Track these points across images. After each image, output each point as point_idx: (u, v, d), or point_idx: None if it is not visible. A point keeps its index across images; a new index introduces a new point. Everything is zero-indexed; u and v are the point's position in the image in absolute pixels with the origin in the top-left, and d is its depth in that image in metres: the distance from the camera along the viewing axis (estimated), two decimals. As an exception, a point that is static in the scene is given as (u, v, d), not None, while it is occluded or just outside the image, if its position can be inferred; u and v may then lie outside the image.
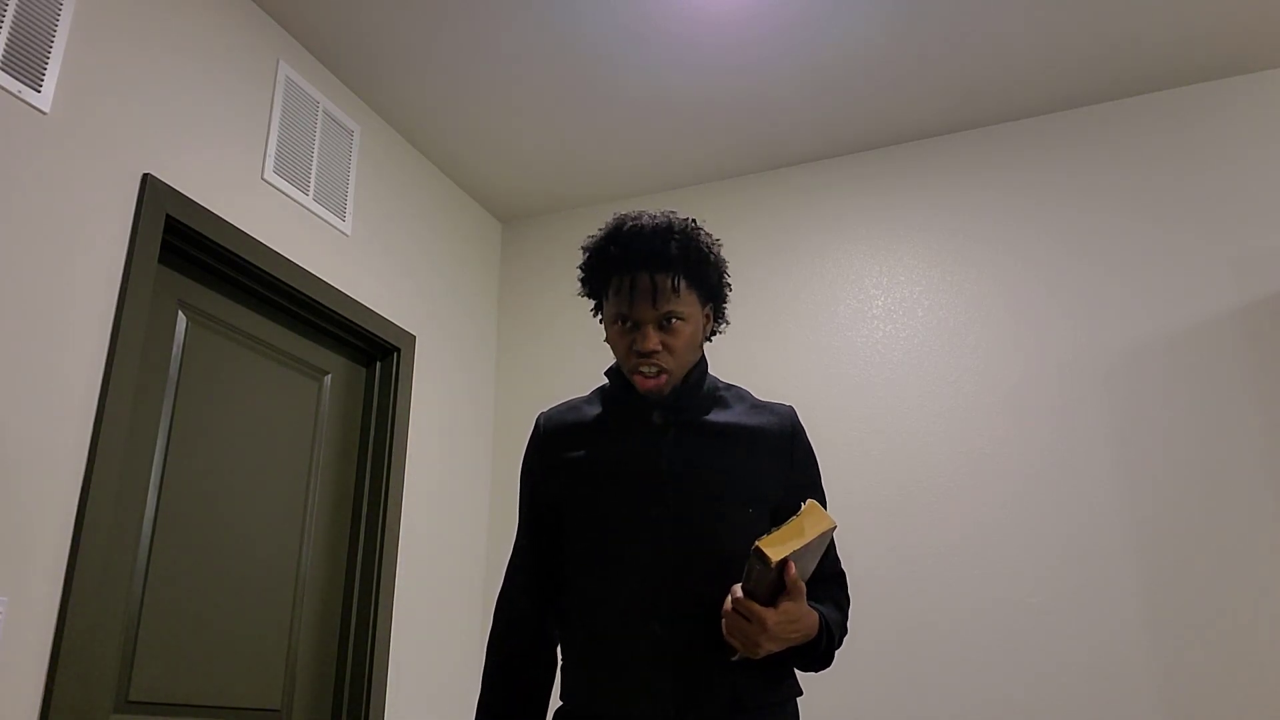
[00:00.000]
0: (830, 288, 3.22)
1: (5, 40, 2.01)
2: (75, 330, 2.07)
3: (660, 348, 1.39)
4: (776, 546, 1.21)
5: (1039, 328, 2.93)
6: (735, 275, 3.38)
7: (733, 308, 3.33)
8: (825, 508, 1.54)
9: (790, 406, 1.56)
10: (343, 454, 2.92)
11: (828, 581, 1.50)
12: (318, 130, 2.86)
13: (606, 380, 1.56)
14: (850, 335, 3.14)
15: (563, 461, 1.49)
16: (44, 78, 2.07)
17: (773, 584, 1.24)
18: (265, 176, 2.64)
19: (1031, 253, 3.02)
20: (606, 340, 1.47)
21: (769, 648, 1.27)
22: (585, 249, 1.46)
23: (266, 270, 2.59)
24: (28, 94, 2.04)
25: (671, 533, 1.38)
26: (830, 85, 3.01)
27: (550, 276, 3.64)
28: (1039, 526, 2.74)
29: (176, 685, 2.27)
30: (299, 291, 2.70)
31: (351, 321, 2.89)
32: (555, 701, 2.55)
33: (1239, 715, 2.43)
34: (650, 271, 1.38)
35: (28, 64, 2.05)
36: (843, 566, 1.56)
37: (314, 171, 2.82)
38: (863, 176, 3.32)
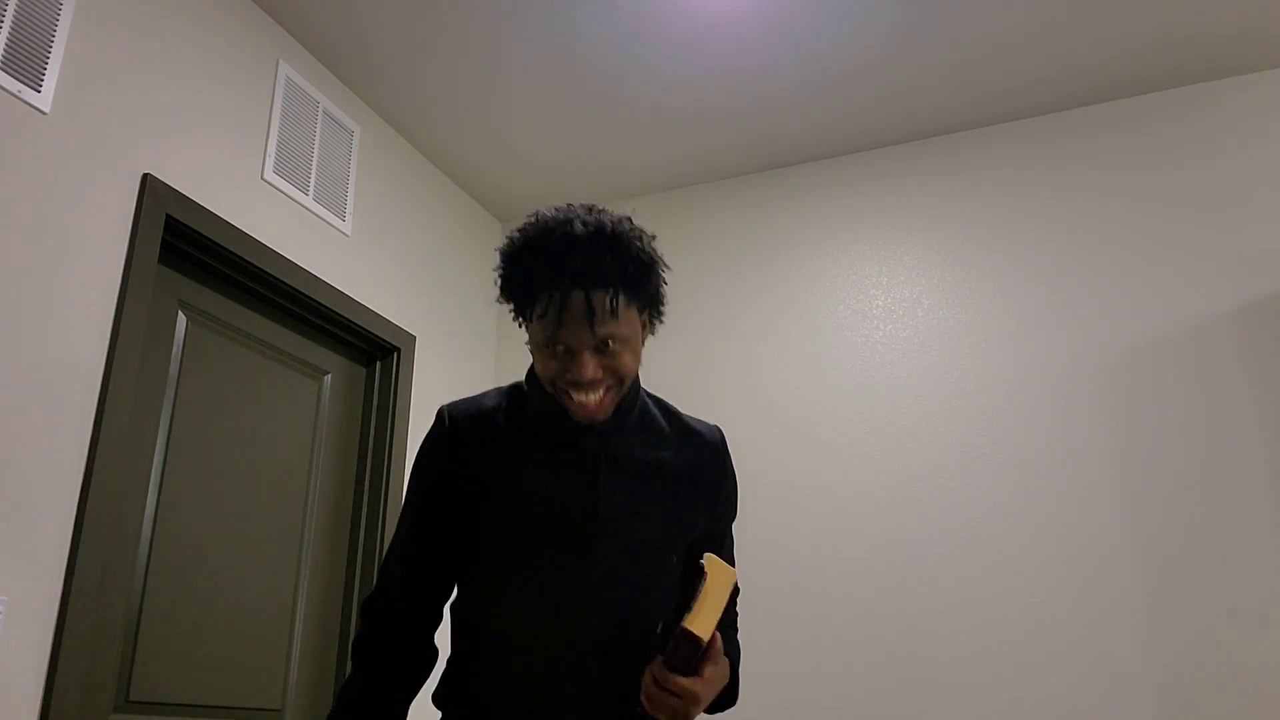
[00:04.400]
0: (830, 288, 3.22)
1: (5, 40, 2.01)
2: (75, 330, 2.07)
3: (600, 375, 1.21)
4: (702, 624, 1.13)
5: (1039, 328, 2.93)
6: (736, 276, 3.38)
7: (734, 309, 3.33)
8: (735, 515, 1.48)
9: (719, 431, 1.44)
10: (343, 454, 2.92)
11: None
12: (318, 130, 2.86)
13: (523, 383, 1.37)
14: (850, 335, 3.14)
15: (474, 476, 1.31)
16: (44, 78, 2.07)
17: (700, 657, 1.19)
18: (265, 176, 2.64)
19: (1031, 253, 3.02)
20: (530, 353, 1.28)
21: (696, 715, 1.19)
22: (505, 255, 1.24)
23: (266, 270, 2.59)
24: (28, 94, 2.04)
25: (596, 588, 1.26)
26: (830, 85, 3.01)
27: (550, 276, 3.64)
28: (1039, 526, 2.74)
29: (176, 685, 2.27)
30: (299, 291, 2.70)
31: (351, 321, 2.89)
32: None
33: (1238, 715, 2.43)
34: (585, 289, 1.17)
35: (28, 64, 2.05)
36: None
37: (314, 171, 2.82)
38: (863, 176, 3.32)
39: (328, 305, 2.79)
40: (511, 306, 1.26)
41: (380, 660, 1.32)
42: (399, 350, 3.08)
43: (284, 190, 2.70)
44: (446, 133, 3.26)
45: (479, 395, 1.39)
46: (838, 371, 3.12)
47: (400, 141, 3.27)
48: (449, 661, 1.36)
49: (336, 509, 2.86)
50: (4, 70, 2.00)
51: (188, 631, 2.32)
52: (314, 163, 2.83)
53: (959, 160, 3.20)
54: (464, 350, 3.45)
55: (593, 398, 1.23)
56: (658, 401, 1.42)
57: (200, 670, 2.34)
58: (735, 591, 1.39)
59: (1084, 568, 2.66)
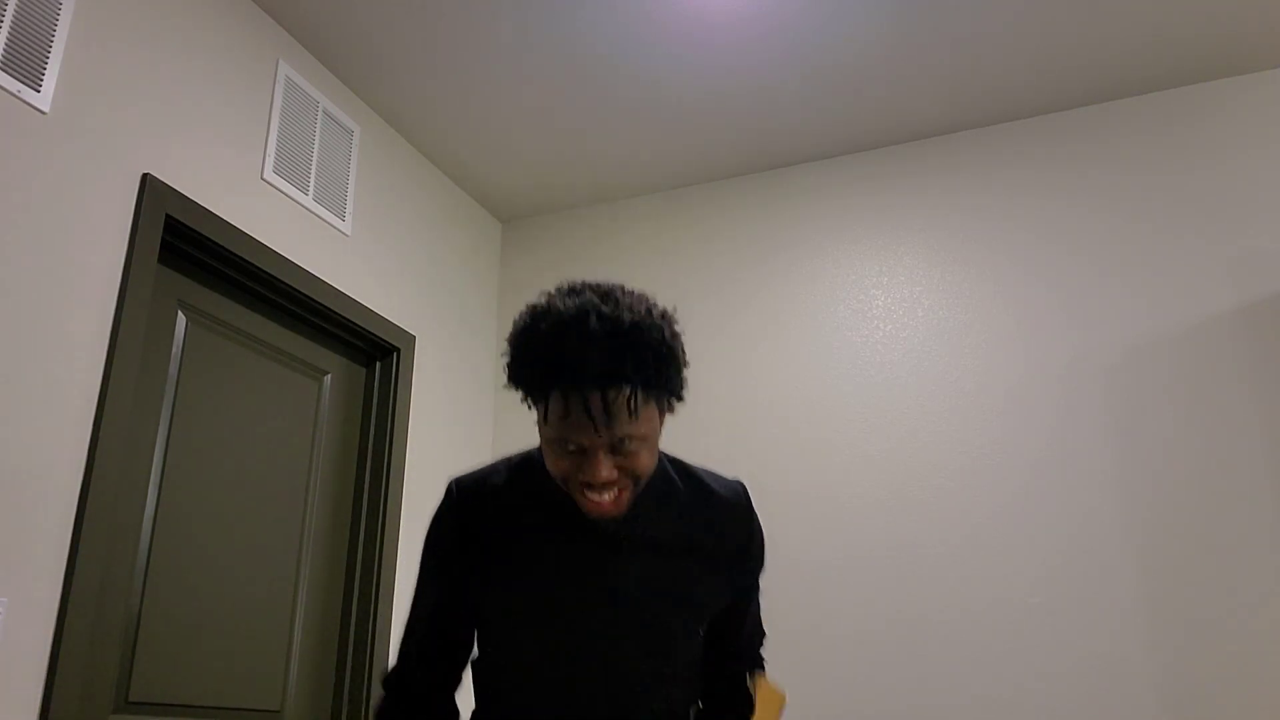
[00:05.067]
0: (830, 288, 3.22)
1: (5, 40, 2.01)
2: (75, 330, 2.07)
3: (615, 476, 1.12)
4: None
5: (1039, 328, 2.93)
6: (736, 276, 3.37)
7: (734, 309, 3.33)
8: (763, 568, 1.44)
9: (741, 488, 1.35)
10: (343, 454, 2.92)
11: (746, 654, 1.43)
12: (317, 130, 2.86)
13: (533, 458, 1.29)
14: (850, 335, 3.14)
15: (488, 559, 1.26)
16: (44, 78, 2.07)
17: None
18: (265, 176, 2.64)
19: (1032, 253, 3.02)
20: (540, 447, 1.19)
21: None
22: (515, 345, 1.13)
23: (266, 270, 2.59)
24: (28, 94, 2.04)
25: (618, 670, 1.25)
26: (830, 85, 3.01)
27: (550, 277, 3.64)
28: (1039, 526, 2.74)
29: (176, 685, 2.27)
30: (299, 291, 2.70)
31: (351, 321, 2.89)
32: None
33: (1239, 715, 2.43)
34: (602, 389, 1.06)
35: (28, 64, 2.05)
36: (764, 627, 1.48)
37: (314, 171, 2.82)
38: (863, 176, 3.32)
39: (327, 305, 2.79)
40: (520, 394, 1.14)
41: None
42: (399, 350, 3.08)
43: (284, 190, 2.70)
44: (446, 133, 3.26)
45: (487, 468, 1.33)
46: (838, 371, 3.12)
47: (400, 141, 3.27)
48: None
49: (336, 509, 2.86)
50: (4, 70, 2.00)
51: (187, 632, 2.32)
52: (314, 163, 2.83)
53: (959, 160, 3.20)
54: (464, 350, 3.45)
55: (608, 497, 1.14)
56: (674, 462, 1.33)
57: (200, 671, 2.34)
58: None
59: (1084, 568, 2.66)
